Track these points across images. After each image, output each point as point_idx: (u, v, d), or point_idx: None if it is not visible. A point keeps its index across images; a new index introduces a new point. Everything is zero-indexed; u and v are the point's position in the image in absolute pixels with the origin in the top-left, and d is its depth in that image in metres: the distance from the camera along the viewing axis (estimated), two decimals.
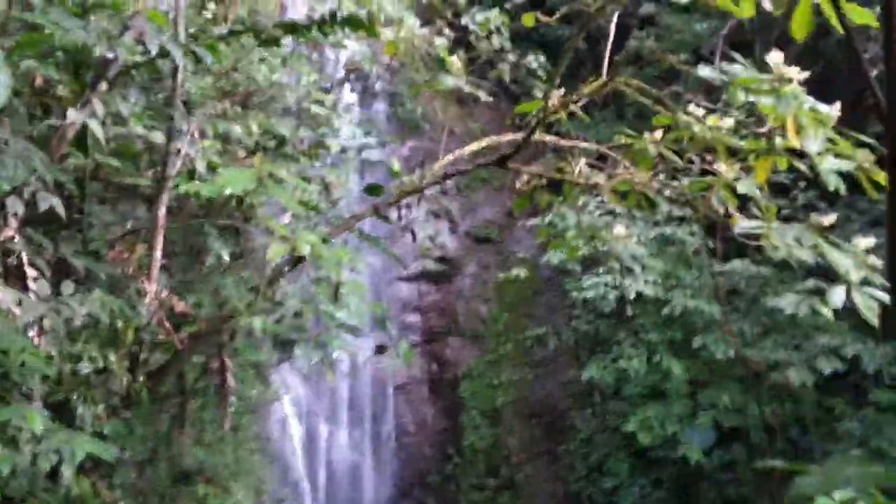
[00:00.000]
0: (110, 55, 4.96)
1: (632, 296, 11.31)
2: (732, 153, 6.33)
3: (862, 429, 10.85)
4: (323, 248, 4.55)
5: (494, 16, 13.44)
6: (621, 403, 16.40)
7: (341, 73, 13.77)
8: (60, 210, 4.35)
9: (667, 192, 6.90)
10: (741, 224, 6.79)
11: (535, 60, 13.75)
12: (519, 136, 6.39)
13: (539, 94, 7.56)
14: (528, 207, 18.70)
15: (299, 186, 5.01)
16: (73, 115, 4.70)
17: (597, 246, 9.08)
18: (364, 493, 18.28)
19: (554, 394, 18.14)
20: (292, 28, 5.28)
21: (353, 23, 5.10)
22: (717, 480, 14.98)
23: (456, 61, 6.24)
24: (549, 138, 6.69)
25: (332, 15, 4.98)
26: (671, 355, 12.39)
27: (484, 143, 6.39)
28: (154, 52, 4.85)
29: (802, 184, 12.31)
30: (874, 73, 10.02)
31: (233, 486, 8.17)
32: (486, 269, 19.74)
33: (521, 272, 13.05)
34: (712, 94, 7.70)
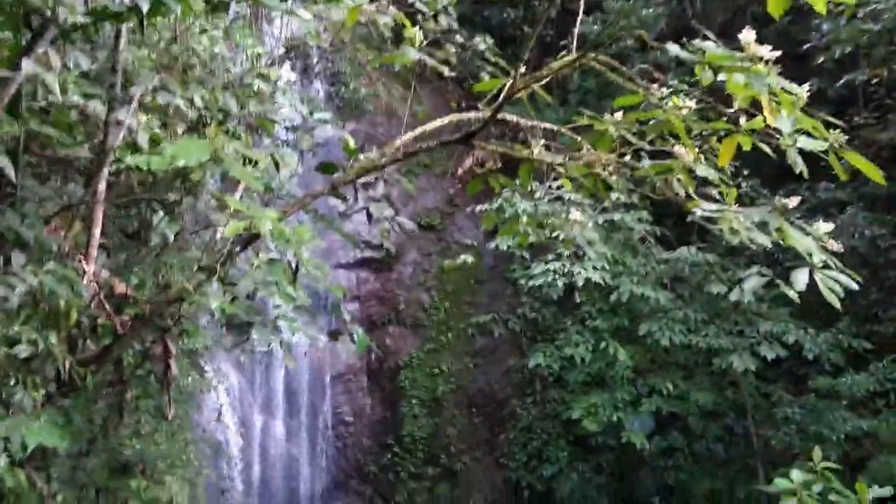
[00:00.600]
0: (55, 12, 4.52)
1: (580, 282, 11.28)
2: (693, 135, 6.29)
3: (802, 414, 11.10)
4: (283, 226, 4.26)
5: None
6: (562, 392, 16.48)
7: (281, 50, 13.33)
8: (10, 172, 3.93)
9: (625, 175, 6.83)
10: (702, 207, 6.75)
11: (482, 42, 13.58)
12: (483, 114, 6.19)
13: (487, 78, 7.37)
14: (471, 196, 18.62)
15: (253, 161, 4.70)
16: (27, 66, 4.23)
17: (546, 233, 8.98)
18: (300, 485, 17.89)
19: (495, 383, 18.09)
20: None
21: None
22: (656, 466, 15.20)
23: (417, 33, 5.99)
24: (511, 117, 6.51)
25: None
26: (616, 342, 12.43)
27: (446, 119, 6.18)
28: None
29: (746, 171, 12.50)
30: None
31: (167, 479, 7.79)
32: (427, 256, 19.51)
33: (467, 258, 12.86)
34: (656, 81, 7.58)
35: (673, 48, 5.68)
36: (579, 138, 6.77)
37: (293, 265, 4.45)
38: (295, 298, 4.42)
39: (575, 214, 8.31)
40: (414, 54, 5.78)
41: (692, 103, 6.28)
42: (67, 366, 4.24)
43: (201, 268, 4.92)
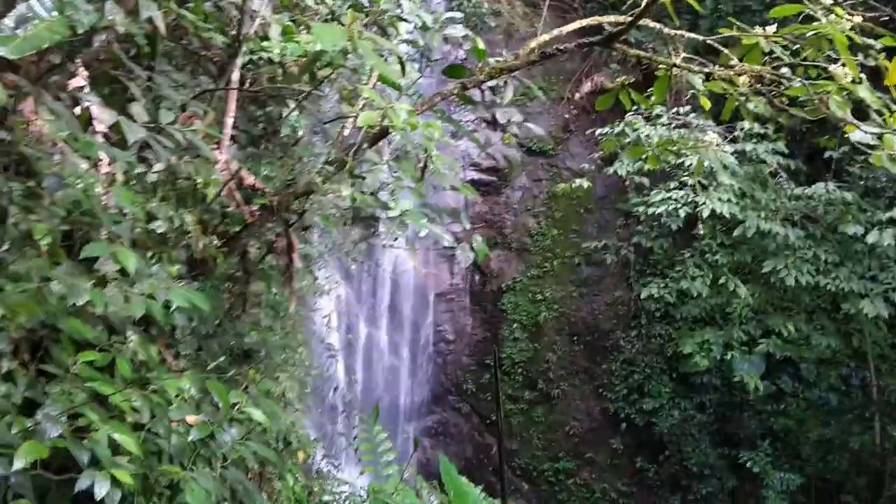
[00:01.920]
0: None
1: (706, 213, 10.74)
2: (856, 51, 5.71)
3: None
4: (416, 120, 4.12)
5: None
6: (668, 327, 16.08)
7: None
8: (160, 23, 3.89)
9: (771, 97, 6.32)
10: (863, 129, 6.19)
11: None
12: (623, 18, 5.78)
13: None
14: (586, 122, 17.94)
15: (390, 51, 4.54)
16: None
17: (672, 159, 8.52)
18: (401, 396, 18.37)
19: (598, 313, 17.84)
20: None
21: None
22: (762, 410, 14.72)
23: None
24: (654, 24, 6.08)
25: None
26: (738, 278, 11.86)
27: (585, 22, 5.82)
28: None
29: None
30: None
31: (280, 376, 8.04)
32: (537, 182, 19.17)
33: (582, 182, 12.46)
34: None
35: None
36: (726, 50, 6.29)
37: (423, 162, 4.33)
38: (423, 195, 4.32)
39: (711, 136, 7.84)
40: None
41: (858, 18, 5.70)
42: (201, 246, 4.31)
43: (329, 161, 4.88)
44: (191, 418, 3.46)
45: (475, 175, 18.88)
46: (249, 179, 5.63)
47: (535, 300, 18.11)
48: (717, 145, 7.93)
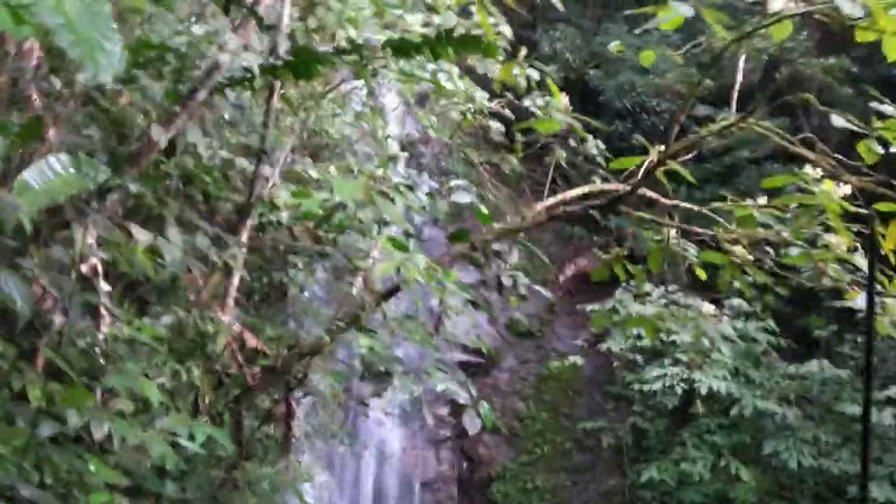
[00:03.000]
0: (219, 58, 4.68)
1: (703, 390, 10.58)
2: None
3: None
4: (433, 271, 4.10)
5: (555, 101, 13.41)
6: None
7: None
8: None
9: (765, 267, 6.44)
10: (861, 297, 6.27)
11: (594, 147, 13.56)
12: (622, 186, 6.00)
13: (597, 181, 7.23)
14: (568, 304, 17.95)
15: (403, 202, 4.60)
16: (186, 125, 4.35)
17: (662, 337, 8.47)
18: None
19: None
20: (402, 47, 4.99)
21: (469, 43, 4.80)
22: None
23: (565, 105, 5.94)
24: (652, 194, 6.30)
25: (448, 32, 4.67)
26: (738, 461, 11.48)
27: (587, 188, 6.02)
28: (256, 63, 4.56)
29: None
30: None
31: None
32: (524, 363, 19.00)
33: (576, 359, 12.33)
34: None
35: (838, 120, 5.40)
36: (721, 220, 6.48)
37: (437, 314, 4.26)
38: (438, 348, 4.20)
39: (707, 307, 7.88)
40: (562, 118, 5.71)
41: (847, 188, 5.92)
42: (207, 401, 4.10)
43: (339, 318, 4.78)
44: None
45: (462, 356, 18.72)
46: (252, 342, 5.49)
47: (525, 489, 17.30)
48: (714, 316, 7.96)
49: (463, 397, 4.40)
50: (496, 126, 12.40)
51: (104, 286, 4.54)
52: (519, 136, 10.28)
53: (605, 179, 7.10)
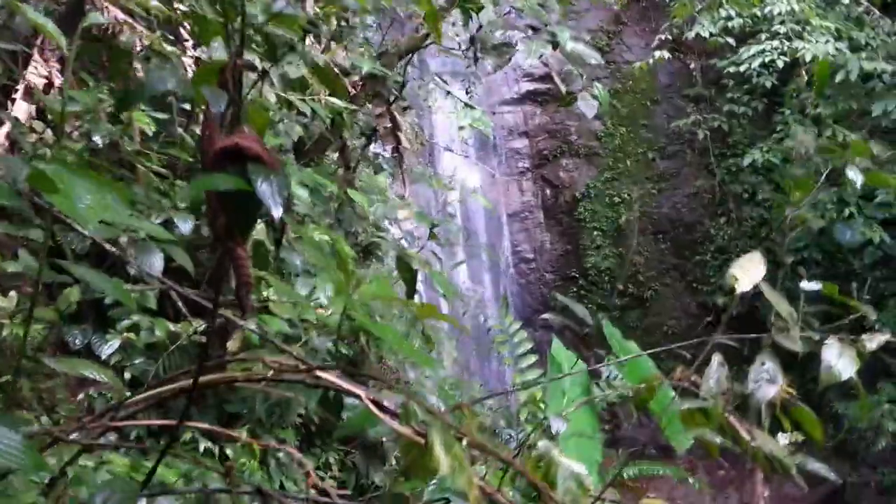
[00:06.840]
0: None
1: (808, 57, 9.87)
2: None
3: None
4: None
5: None
6: (758, 209, 15.32)
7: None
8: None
9: None
10: None
11: None
12: None
13: None
14: (636, 12, 16.74)
15: None
16: None
17: (756, 13, 7.66)
18: (487, 322, 17.97)
19: (681, 206, 17.11)
20: None
21: None
22: (866, 278, 13.90)
23: None
24: None
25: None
26: (846, 128, 11.00)
27: None
28: None
29: None
30: None
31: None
32: (595, 82, 18.31)
33: (662, 53, 11.56)
34: None
35: None
36: None
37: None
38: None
39: None
40: None
41: None
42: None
43: None
44: None
45: (530, 86, 18.14)
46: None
47: (612, 203, 17.44)
48: None
49: (595, 58, 4.00)
50: None
51: None
52: None
53: None
